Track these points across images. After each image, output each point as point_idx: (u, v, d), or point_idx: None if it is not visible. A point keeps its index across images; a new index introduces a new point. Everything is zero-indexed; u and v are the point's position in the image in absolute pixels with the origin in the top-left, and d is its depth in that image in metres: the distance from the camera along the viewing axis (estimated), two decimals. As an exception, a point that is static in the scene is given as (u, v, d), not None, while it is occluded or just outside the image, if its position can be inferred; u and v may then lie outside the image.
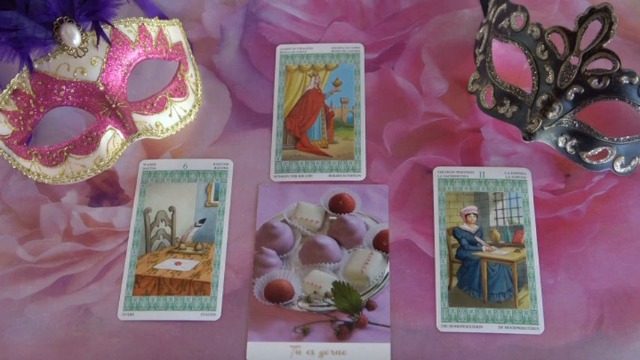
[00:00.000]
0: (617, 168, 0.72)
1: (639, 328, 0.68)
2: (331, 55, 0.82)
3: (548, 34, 0.67)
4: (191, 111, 0.76)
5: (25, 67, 0.67)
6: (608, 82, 0.66)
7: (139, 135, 0.70)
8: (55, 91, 0.68)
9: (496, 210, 0.73)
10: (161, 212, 0.74)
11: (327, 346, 0.68)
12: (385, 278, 0.70)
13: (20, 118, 0.69)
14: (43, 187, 0.75)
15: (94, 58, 0.68)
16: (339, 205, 0.74)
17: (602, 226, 0.72)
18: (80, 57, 0.68)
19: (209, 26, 0.84)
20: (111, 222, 0.74)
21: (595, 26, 0.66)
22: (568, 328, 0.68)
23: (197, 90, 0.78)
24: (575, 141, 0.70)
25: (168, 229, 0.73)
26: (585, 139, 0.70)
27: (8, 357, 0.68)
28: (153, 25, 0.72)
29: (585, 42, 0.66)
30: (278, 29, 0.84)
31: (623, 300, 0.69)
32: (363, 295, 0.70)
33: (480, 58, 0.76)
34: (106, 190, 0.76)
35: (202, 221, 0.74)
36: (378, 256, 0.71)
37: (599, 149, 0.70)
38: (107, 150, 0.71)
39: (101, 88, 0.69)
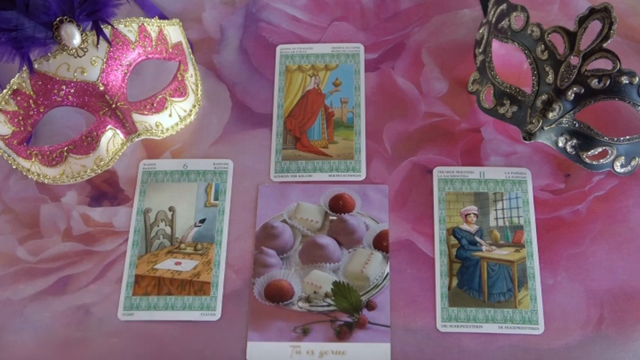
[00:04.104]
0: (617, 168, 0.72)
1: (639, 328, 0.68)
2: (331, 55, 0.82)
3: (548, 34, 0.67)
4: (191, 111, 0.76)
5: (25, 67, 0.67)
6: (608, 82, 0.66)
7: (139, 135, 0.70)
8: (55, 91, 0.68)
9: (496, 210, 0.73)
10: (161, 212, 0.74)
11: (327, 346, 0.68)
12: (385, 278, 0.70)
13: (20, 118, 0.69)
14: (43, 187, 0.75)
15: (94, 58, 0.68)
16: (339, 205, 0.74)
17: (602, 226, 0.72)
18: (80, 57, 0.68)
19: (209, 26, 0.84)
20: (111, 222, 0.74)
21: (595, 26, 0.66)
22: (568, 328, 0.68)
23: (197, 90, 0.78)
24: (575, 141, 0.70)
25: (168, 229, 0.73)
26: (585, 139, 0.70)
27: (8, 357, 0.68)
28: (153, 25, 0.72)
29: (585, 42, 0.66)
30: (278, 29, 0.84)
31: (623, 300, 0.69)
32: (363, 295, 0.70)
33: (480, 58, 0.76)
34: (106, 190, 0.76)
35: (202, 221, 0.74)
36: (378, 256, 0.71)
37: (599, 149, 0.70)
38: (107, 150, 0.71)
39: (101, 88, 0.69)
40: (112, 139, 0.71)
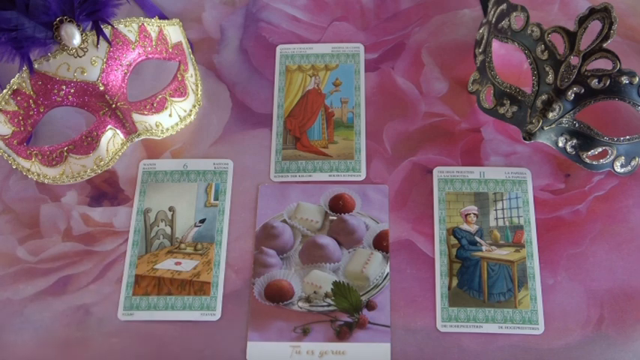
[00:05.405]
0: (617, 168, 0.72)
1: (639, 328, 0.68)
2: (331, 55, 0.82)
3: (548, 34, 0.67)
4: (191, 111, 0.76)
5: (25, 67, 0.67)
6: (608, 82, 0.66)
7: (139, 135, 0.70)
8: (55, 91, 0.68)
9: (496, 210, 0.73)
10: (161, 212, 0.74)
11: (327, 346, 0.68)
12: (385, 278, 0.70)
13: (20, 118, 0.69)
14: (43, 187, 0.75)
15: (94, 58, 0.68)
16: (339, 205, 0.74)
17: (602, 226, 0.72)
18: (80, 57, 0.68)
19: (209, 26, 0.84)
20: (111, 222, 0.74)
21: (595, 26, 0.66)
22: (568, 328, 0.68)
23: (197, 90, 0.78)
24: (575, 141, 0.70)
25: (168, 229, 0.73)
26: (585, 139, 0.70)
27: (8, 357, 0.68)
28: (153, 25, 0.72)
29: (585, 42, 0.66)
30: (278, 29, 0.84)
31: (623, 300, 0.69)
32: (363, 295, 0.70)
33: (480, 58, 0.76)
34: (106, 190, 0.76)
35: (202, 221, 0.74)
36: (378, 256, 0.71)
37: (599, 149, 0.70)
38: (107, 150, 0.71)
39: (101, 88, 0.69)
40: (112, 139, 0.71)
